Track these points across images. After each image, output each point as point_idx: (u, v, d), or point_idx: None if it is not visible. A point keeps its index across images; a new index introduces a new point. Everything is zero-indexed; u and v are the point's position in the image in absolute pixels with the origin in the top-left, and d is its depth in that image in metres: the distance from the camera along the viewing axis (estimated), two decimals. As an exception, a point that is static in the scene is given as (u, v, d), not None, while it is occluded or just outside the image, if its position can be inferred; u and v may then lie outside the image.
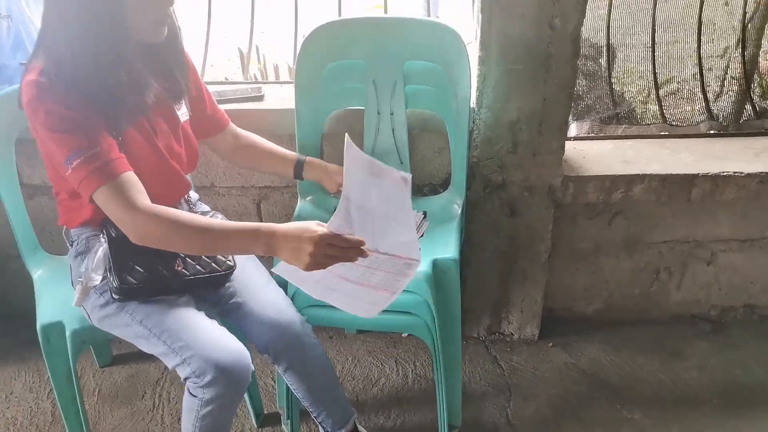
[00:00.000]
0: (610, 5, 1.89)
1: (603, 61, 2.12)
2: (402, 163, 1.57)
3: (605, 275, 1.83)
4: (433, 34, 1.45)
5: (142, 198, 1.02)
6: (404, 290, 1.22)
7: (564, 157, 1.67)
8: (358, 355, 1.81)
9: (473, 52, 1.47)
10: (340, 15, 1.80)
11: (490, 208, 1.64)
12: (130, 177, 1.03)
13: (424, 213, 1.48)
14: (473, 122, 1.54)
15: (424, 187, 1.69)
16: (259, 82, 1.94)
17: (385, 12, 1.79)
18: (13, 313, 1.88)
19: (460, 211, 1.47)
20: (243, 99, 1.63)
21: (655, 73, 1.87)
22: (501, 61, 1.45)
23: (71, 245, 1.26)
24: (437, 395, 1.39)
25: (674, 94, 2.16)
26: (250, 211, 1.77)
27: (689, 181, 1.60)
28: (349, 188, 1.00)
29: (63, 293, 1.30)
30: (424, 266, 1.23)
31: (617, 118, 1.90)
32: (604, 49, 2.01)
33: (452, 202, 1.51)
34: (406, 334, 1.86)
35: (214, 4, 1.85)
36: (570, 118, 1.89)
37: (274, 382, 1.64)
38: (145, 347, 1.18)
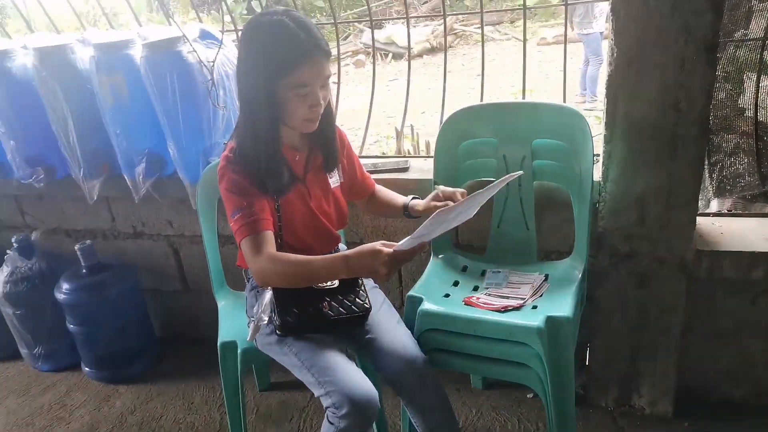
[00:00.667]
0: (758, 82, 1.88)
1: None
2: (528, 230, 1.71)
3: (752, 358, 1.72)
4: (560, 116, 1.61)
5: (269, 249, 1.31)
6: (519, 342, 1.36)
7: (699, 231, 1.68)
8: (483, 409, 1.90)
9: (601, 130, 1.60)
10: (482, 99, 2.03)
11: (616, 278, 1.68)
12: (267, 234, 1.33)
13: (546, 275, 1.60)
14: (599, 195, 1.63)
15: (551, 254, 1.80)
16: (408, 156, 2.23)
17: (523, 97, 1.98)
18: (199, 339, 2.32)
19: (580, 276, 1.55)
20: (392, 170, 1.91)
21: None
22: (626, 140, 1.55)
23: (248, 281, 1.59)
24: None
25: None
26: (392, 267, 2.01)
27: (842, 261, 1.50)
28: (429, 229, 1.17)
29: (239, 320, 1.63)
30: (537, 321, 1.34)
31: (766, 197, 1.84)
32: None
33: (574, 267, 1.60)
34: (532, 395, 1.91)
35: (384, 91, 2.20)
36: (712, 194, 1.89)
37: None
38: (297, 374, 1.42)
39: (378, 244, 1.22)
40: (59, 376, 2.35)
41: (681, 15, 1.38)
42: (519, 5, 8.48)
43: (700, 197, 1.88)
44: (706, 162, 1.94)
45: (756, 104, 1.94)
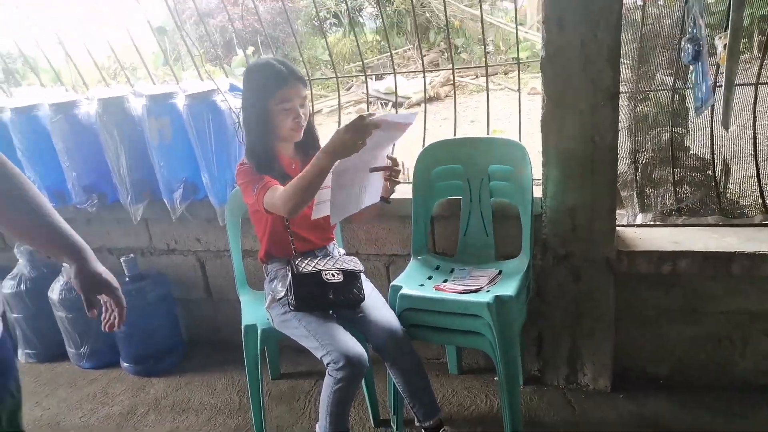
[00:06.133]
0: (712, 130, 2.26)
1: (710, 173, 2.47)
2: (488, 236, 2.16)
3: (671, 340, 2.13)
4: (508, 147, 2.09)
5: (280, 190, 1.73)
6: (473, 315, 1.78)
7: (622, 237, 2.12)
8: (457, 389, 2.30)
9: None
10: (455, 134, 2.52)
11: (558, 275, 2.11)
12: (277, 186, 1.73)
13: (500, 270, 2.04)
14: (542, 208, 2.08)
15: (506, 255, 2.23)
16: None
17: (487, 133, 2.46)
18: (220, 341, 2.74)
19: (525, 269, 1.98)
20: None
21: (713, 171, 2.22)
22: (558, 166, 2.00)
23: (267, 275, 2.03)
24: (501, 399, 1.84)
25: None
26: (382, 273, 2.45)
27: (728, 258, 1.93)
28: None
29: (258, 310, 2.07)
30: (488, 298, 1.77)
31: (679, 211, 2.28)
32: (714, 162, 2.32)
33: (522, 263, 2.03)
34: (497, 378, 2.31)
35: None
36: (637, 210, 2.34)
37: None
38: (304, 343, 1.84)
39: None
40: (101, 372, 2.75)
41: (588, 72, 1.87)
42: (512, 58, 9.19)
43: (629, 213, 2.34)
44: (635, 186, 2.41)
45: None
